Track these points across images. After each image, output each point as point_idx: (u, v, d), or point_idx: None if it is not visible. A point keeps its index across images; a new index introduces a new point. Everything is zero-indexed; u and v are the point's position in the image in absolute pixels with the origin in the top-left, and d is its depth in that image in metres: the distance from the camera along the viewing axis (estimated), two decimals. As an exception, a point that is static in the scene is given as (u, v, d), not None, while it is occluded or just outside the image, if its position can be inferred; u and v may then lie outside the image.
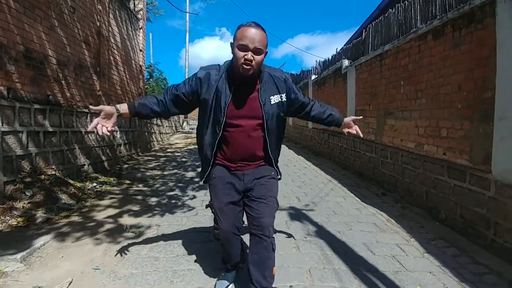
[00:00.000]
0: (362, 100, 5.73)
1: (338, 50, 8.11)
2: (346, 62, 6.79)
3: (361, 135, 2.03)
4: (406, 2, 4.42)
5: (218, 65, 1.74)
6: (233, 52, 1.59)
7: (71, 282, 2.06)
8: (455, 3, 3.37)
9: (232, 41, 1.61)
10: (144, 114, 1.76)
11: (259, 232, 1.71)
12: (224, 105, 1.64)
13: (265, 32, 1.57)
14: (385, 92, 4.78)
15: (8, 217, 3.14)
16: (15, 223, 3.08)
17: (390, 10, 4.98)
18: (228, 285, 1.96)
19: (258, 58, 1.55)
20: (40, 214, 3.23)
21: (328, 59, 8.80)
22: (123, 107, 1.71)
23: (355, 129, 2.00)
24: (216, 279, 2.08)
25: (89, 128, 1.62)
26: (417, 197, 3.82)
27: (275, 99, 1.71)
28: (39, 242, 2.59)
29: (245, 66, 1.54)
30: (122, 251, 2.49)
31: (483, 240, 2.74)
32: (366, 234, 2.98)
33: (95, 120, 1.61)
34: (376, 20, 5.56)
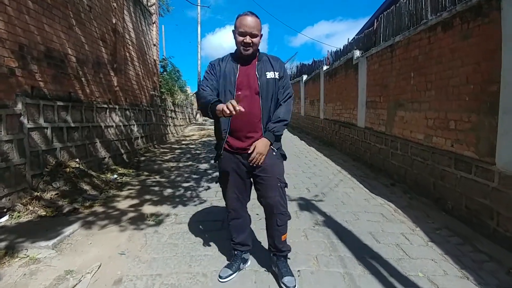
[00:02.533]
0: (373, 91, 5.76)
1: (349, 40, 8.08)
2: (357, 53, 6.79)
3: (254, 165, 1.99)
4: (418, -8, 4.41)
5: (224, 56, 2.12)
6: (235, 37, 1.98)
7: (100, 266, 2.29)
8: (464, -5, 3.37)
9: (233, 29, 1.99)
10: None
11: (266, 211, 2.10)
12: (234, 78, 1.99)
13: (258, 18, 1.94)
14: (396, 83, 4.81)
15: (36, 208, 3.41)
16: (44, 213, 3.34)
17: (401, 0, 4.96)
18: (231, 274, 2.15)
19: (254, 40, 1.94)
20: (66, 205, 3.49)
21: (340, 49, 8.77)
22: (220, 106, 1.80)
23: (253, 155, 1.94)
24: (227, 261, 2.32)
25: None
26: (424, 188, 3.90)
27: (270, 75, 2.01)
28: (68, 230, 2.83)
29: (245, 47, 1.94)
30: (145, 237, 2.71)
31: (486, 229, 2.82)
32: (372, 223, 3.11)
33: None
34: (388, 10, 5.53)
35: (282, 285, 2.02)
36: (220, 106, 1.72)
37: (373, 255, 2.46)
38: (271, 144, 1.99)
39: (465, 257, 2.45)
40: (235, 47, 2.02)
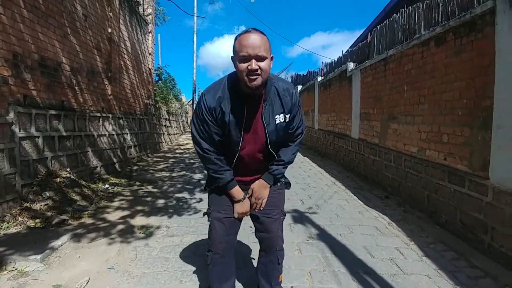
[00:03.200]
0: (367, 103, 5.81)
1: (344, 52, 8.18)
2: (351, 65, 6.86)
3: (255, 211, 1.76)
4: (410, 8, 4.49)
5: (221, 81, 1.56)
6: (235, 66, 1.42)
7: (88, 281, 2.22)
8: (457, 10, 3.43)
9: (232, 55, 1.45)
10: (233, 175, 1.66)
11: (266, 247, 1.79)
12: (239, 133, 1.53)
13: (265, 36, 1.41)
14: (389, 96, 4.85)
15: (26, 219, 3.33)
16: (33, 224, 3.26)
17: (394, 15, 5.04)
18: None
19: (263, 65, 1.37)
20: (56, 216, 3.41)
21: (334, 61, 8.86)
22: (237, 194, 1.65)
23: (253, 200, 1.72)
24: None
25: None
26: (419, 201, 3.90)
27: (279, 118, 1.55)
28: (57, 242, 2.76)
29: (251, 77, 1.37)
30: (135, 251, 2.65)
31: (480, 244, 2.81)
32: (366, 237, 3.08)
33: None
34: (381, 24, 5.62)
35: None
36: (236, 207, 1.65)
37: (367, 271, 2.43)
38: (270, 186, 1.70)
39: (460, 272, 2.44)
40: (233, 69, 1.48)
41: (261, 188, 1.68)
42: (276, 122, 1.55)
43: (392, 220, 3.55)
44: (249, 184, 1.70)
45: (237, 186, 1.63)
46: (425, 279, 2.32)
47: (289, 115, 1.57)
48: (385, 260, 2.61)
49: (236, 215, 1.67)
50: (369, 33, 7.02)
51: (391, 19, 5.18)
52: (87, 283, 2.20)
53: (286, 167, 1.72)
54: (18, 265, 2.43)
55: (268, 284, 1.83)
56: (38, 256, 2.48)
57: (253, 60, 1.35)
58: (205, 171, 6.06)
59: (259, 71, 1.37)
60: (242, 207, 1.66)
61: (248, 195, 1.70)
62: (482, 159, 2.85)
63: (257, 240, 1.87)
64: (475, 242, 2.89)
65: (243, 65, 1.37)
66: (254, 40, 1.36)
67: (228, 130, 1.52)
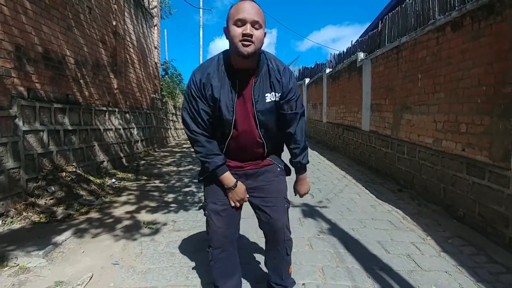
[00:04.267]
0: (378, 94, 5.63)
1: (353, 43, 7.98)
2: (361, 55, 6.67)
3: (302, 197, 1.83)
4: (424, -8, 4.29)
5: (212, 59, 1.50)
6: (228, 34, 1.36)
7: (91, 277, 2.15)
8: (475, -7, 3.25)
9: (225, 25, 1.39)
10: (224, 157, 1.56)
11: (273, 238, 1.69)
12: (231, 112, 1.45)
13: (261, 8, 1.39)
14: (402, 86, 4.68)
15: (30, 213, 3.28)
16: (37, 219, 3.22)
17: (407, 0, 4.85)
18: None
19: (257, 33, 1.33)
20: (61, 211, 3.36)
21: (343, 52, 8.66)
22: (228, 181, 1.54)
23: (302, 194, 1.79)
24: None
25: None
26: (434, 194, 3.75)
27: (271, 96, 1.48)
28: (60, 238, 2.70)
29: (245, 43, 1.31)
30: (140, 246, 2.57)
31: (501, 238, 2.67)
32: (380, 232, 2.95)
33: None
34: (393, 11, 5.42)
35: None
36: (230, 195, 1.56)
37: (382, 267, 2.30)
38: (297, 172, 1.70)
39: (481, 268, 2.30)
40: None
41: (306, 184, 1.75)
42: (267, 101, 1.47)
43: (406, 214, 3.41)
44: (245, 170, 1.61)
45: (228, 173, 1.53)
46: (444, 276, 2.19)
47: (280, 95, 1.50)
48: (401, 255, 2.48)
49: (232, 204, 1.57)
50: (380, 22, 6.81)
51: (403, 5, 4.98)
52: (90, 279, 2.12)
53: (305, 149, 1.66)
54: (20, 261, 2.37)
55: (279, 277, 1.74)
56: (41, 252, 2.42)
57: (248, 25, 1.32)
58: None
59: (253, 38, 1.32)
60: (236, 194, 1.55)
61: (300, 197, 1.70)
62: (503, 149, 2.69)
63: (262, 234, 1.76)
64: (495, 236, 2.74)
65: (238, 30, 1.32)
66: (251, 6, 1.34)
67: (219, 108, 1.45)
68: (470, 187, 3.10)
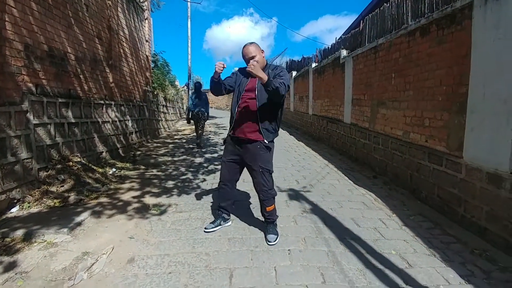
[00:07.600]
0: (358, 90, 6.11)
1: (337, 39, 8.41)
2: (344, 53, 7.12)
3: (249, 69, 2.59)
4: (399, -2, 4.73)
5: (243, 67, 2.79)
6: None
7: (113, 248, 2.56)
8: (441, 3, 3.69)
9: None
10: (220, 81, 2.67)
11: (259, 193, 2.77)
12: (244, 85, 2.74)
13: (254, 44, 2.69)
14: (379, 83, 5.16)
15: (45, 199, 3.63)
16: (52, 204, 3.57)
17: (385, 4, 5.28)
18: (214, 227, 2.92)
19: (256, 59, 2.57)
20: (73, 196, 3.72)
21: (328, 47, 9.10)
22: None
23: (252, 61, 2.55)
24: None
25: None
26: (403, 179, 4.29)
27: None
28: (79, 218, 3.08)
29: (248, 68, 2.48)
30: (150, 224, 3.01)
31: (455, 215, 3.20)
32: (354, 211, 3.46)
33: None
34: (373, 13, 5.86)
35: (266, 240, 2.70)
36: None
37: (353, 237, 2.81)
38: (266, 84, 2.41)
39: (435, 239, 2.81)
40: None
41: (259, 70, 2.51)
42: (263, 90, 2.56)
43: (378, 197, 3.93)
44: (244, 141, 2.67)
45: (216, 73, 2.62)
46: (403, 243, 2.70)
47: (273, 77, 2.54)
48: (369, 228, 2.99)
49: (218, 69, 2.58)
50: (361, 21, 7.25)
51: (382, 8, 5.43)
52: (112, 250, 2.54)
53: (276, 83, 2.43)
54: (47, 237, 2.74)
55: (261, 210, 2.86)
56: (65, 229, 2.80)
57: (250, 60, 2.54)
58: (205, 156, 6.41)
59: (255, 63, 2.46)
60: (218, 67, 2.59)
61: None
62: (458, 140, 3.20)
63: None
64: (450, 214, 3.27)
65: (246, 61, 2.63)
66: (247, 50, 2.66)
67: (238, 87, 2.77)
68: (431, 173, 3.63)
